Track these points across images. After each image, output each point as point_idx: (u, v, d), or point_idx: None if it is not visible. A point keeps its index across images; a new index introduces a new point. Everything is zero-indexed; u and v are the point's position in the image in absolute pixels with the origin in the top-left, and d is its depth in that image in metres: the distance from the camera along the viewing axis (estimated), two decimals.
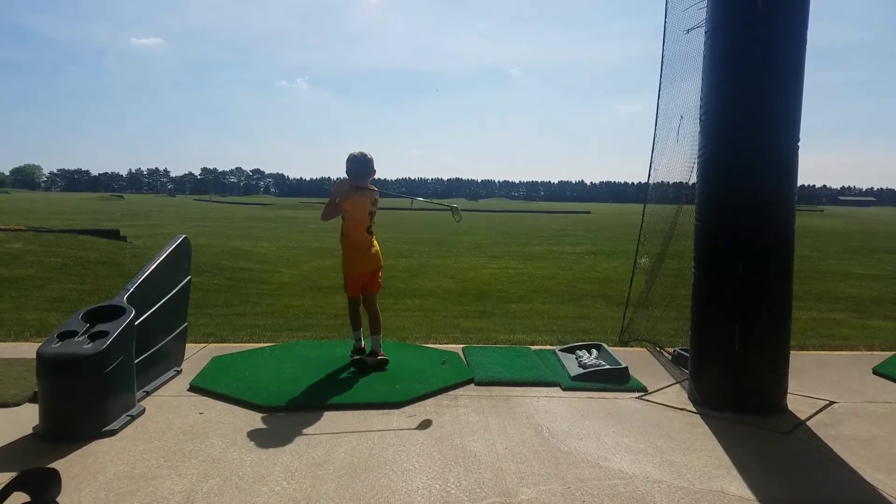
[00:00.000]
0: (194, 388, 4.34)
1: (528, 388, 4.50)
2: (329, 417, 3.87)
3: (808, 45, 3.97)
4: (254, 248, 19.13)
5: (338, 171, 5.00)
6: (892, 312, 9.41)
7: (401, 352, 5.31)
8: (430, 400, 4.21)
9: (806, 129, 4.08)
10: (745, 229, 4.02)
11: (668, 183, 5.84)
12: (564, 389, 4.50)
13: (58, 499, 2.65)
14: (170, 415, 3.84)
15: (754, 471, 3.22)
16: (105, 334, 3.57)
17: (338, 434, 3.60)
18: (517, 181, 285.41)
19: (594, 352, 5.22)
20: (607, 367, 4.77)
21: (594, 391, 4.47)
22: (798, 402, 4.28)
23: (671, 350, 5.43)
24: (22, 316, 7.31)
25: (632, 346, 6.01)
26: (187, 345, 4.99)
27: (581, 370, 4.78)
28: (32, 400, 3.86)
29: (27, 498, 2.53)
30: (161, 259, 4.39)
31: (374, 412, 3.97)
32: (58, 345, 3.50)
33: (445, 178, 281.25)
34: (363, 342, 4.99)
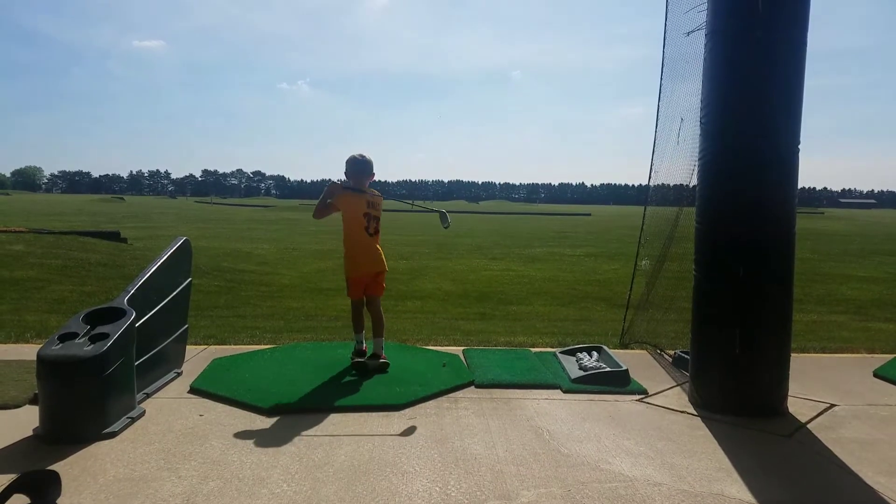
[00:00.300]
0: (194, 390, 4.33)
1: (529, 391, 4.50)
2: (329, 420, 3.86)
3: (808, 49, 3.97)
4: (254, 249, 19.15)
5: (339, 174, 5.03)
6: (892, 315, 9.40)
7: (401, 354, 5.31)
8: (430, 402, 4.21)
9: (806, 132, 4.09)
10: (746, 232, 4.02)
11: (668, 185, 5.84)
12: (565, 392, 4.50)
13: (58, 501, 2.65)
14: (170, 417, 3.83)
15: (755, 473, 3.21)
16: (105, 336, 3.57)
17: (338, 436, 3.59)
18: (518, 183, 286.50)
19: (595, 354, 5.22)
20: (608, 369, 4.76)
21: (595, 393, 4.46)
22: (799, 404, 4.27)
23: (672, 352, 5.42)
24: (23, 317, 7.32)
25: (632, 349, 6.00)
26: (187, 347, 4.99)
27: (581, 372, 4.78)
28: (33, 402, 3.85)
29: (27, 500, 2.54)
30: (162, 261, 4.39)
31: (374, 414, 3.97)
32: (58, 347, 3.49)
33: (446, 180, 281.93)
34: (364, 345, 5.00)
